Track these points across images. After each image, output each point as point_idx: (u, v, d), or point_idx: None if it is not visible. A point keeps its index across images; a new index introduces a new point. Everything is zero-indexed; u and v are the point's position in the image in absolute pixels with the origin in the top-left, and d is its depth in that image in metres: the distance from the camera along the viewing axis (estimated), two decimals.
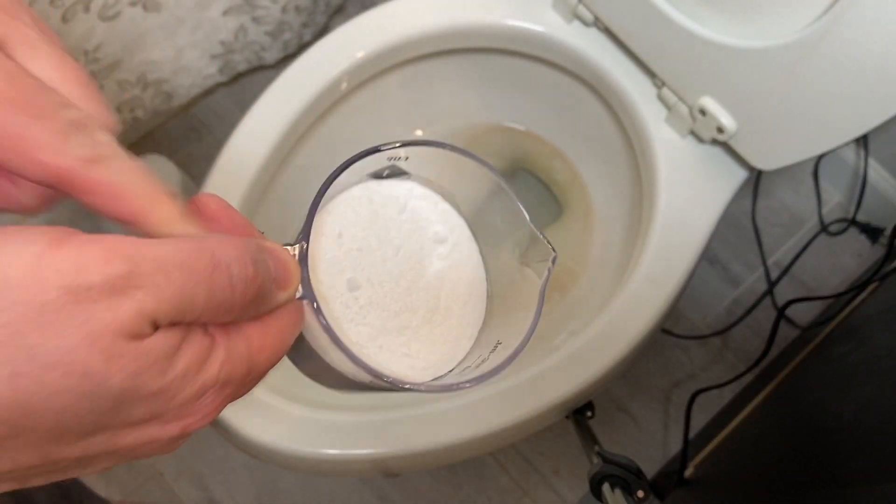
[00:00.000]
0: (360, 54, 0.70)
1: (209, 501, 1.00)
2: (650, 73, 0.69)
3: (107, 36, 0.90)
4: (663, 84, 0.67)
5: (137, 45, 0.95)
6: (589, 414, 0.70)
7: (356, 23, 0.71)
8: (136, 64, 0.98)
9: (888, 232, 1.06)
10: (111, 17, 0.88)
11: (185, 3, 0.94)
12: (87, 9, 0.84)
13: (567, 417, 0.71)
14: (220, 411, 0.22)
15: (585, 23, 0.70)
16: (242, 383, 0.22)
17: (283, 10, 1.05)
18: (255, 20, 1.03)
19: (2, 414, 0.17)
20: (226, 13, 0.99)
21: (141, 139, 1.15)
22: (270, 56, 1.12)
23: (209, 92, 1.12)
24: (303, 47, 1.16)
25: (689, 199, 0.66)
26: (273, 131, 0.67)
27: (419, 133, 0.85)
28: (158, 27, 0.95)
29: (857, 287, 0.79)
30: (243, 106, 1.23)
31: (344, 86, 0.71)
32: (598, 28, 0.70)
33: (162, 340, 0.19)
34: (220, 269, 0.20)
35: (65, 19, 0.83)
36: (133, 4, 0.89)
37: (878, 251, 1.10)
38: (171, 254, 0.19)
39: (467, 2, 0.72)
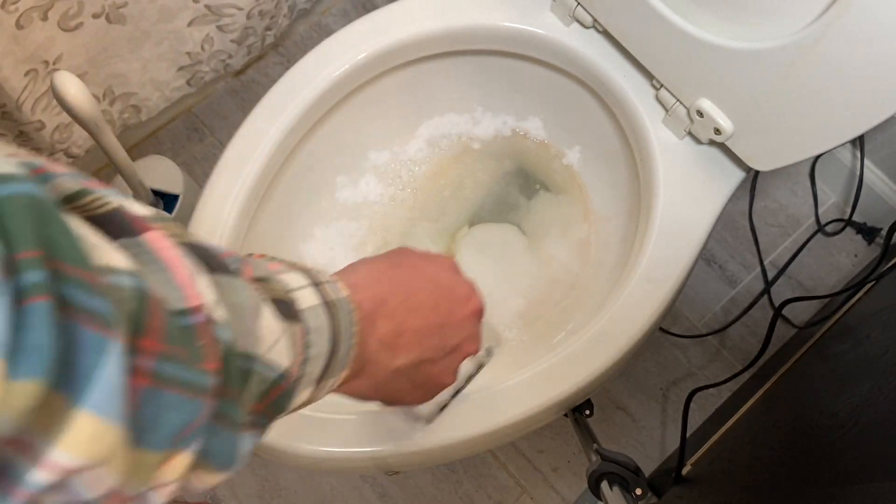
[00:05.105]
0: (361, 56, 0.70)
1: (212, 498, 1.00)
2: (648, 75, 0.69)
3: (68, 47, 0.88)
4: (661, 85, 0.67)
5: (102, 58, 0.93)
6: (587, 412, 0.71)
7: (357, 25, 0.71)
8: (103, 77, 0.96)
9: (884, 232, 1.07)
10: (72, 28, 0.86)
11: (150, 15, 0.93)
12: (44, 17, 0.82)
13: (566, 416, 0.71)
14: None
15: (584, 25, 0.71)
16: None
17: (248, 15, 1.04)
18: (221, 29, 1.02)
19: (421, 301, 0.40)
20: (191, 24, 0.98)
21: (143, 140, 1.16)
22: (236, 62, 1.11)
23: (177, 104, 1.10)
24: (266, 49, 1.15)
25: (686, 200, 0.67)
26: (275, 132, 0.67)
27: (421, 130, 0.86)
28: (123, 39, 0.93)
29: (854, 287, 0.79)
30: (245, 107, 1.23)
31: (345, 87, 0.71)
32: (597, 30, 0.71)
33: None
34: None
35: (19, 25, 0.81)
36: (96, 16, 0.88)
37: (873, 251, 1.11)
38: None
39: (467, 4, 0.73)
